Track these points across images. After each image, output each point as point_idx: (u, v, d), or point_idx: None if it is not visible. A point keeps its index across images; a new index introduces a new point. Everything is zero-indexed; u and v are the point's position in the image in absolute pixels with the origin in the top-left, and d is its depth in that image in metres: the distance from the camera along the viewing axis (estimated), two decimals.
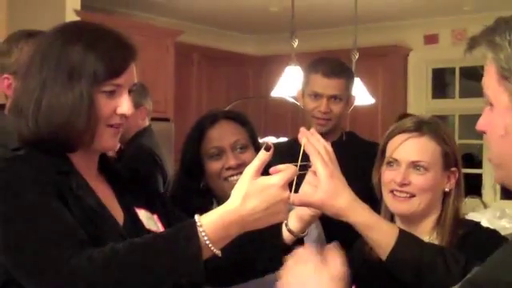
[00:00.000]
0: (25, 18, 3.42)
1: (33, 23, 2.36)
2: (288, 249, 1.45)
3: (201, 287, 1.34)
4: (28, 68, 1.45)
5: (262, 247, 1.52)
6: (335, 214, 1.49)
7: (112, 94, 1.43)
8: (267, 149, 1.32)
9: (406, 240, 1.51)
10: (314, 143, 1.48)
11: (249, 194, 1.30)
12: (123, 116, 1.46)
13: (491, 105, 1.16)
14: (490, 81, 1.15)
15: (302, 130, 1.50)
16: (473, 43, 1.19)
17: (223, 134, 2.00)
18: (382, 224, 1.52)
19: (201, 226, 1.29)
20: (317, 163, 1.47)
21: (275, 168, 1.33)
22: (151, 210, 1.58)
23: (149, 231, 1.48)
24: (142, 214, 1.54)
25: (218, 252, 1.31)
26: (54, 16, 4.88)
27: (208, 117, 2.06)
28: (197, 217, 1.30)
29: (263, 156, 1.32)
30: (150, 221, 1.54)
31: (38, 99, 1.40)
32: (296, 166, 1.31)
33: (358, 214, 1.49)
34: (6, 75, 2.17)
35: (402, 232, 1.52)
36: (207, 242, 1.28)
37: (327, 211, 1.49)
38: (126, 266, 1.25)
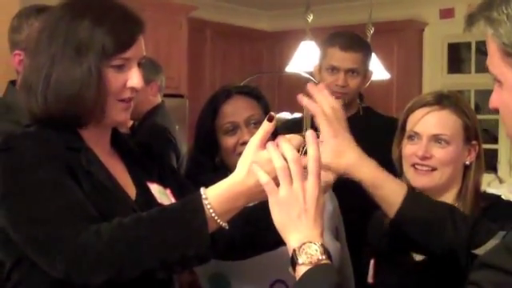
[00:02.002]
0: None
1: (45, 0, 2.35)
2: None
3: (208, 261, 1.34)
4: (36, 44, 1.46)
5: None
6: (343, 173, 1.47)
7: (121, 68, 1.43)
8: (270, 119, 1.30)
9: (413, 198, 1.49)
10: (320, 101, 1.44)
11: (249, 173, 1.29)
12: (133, 89, 1.46)
13: (500, 82, 1.13)
14: (494, 59, 1.12)
15: (310, 85, 1.47)
16: (471, 20, 1.16)
17: (237, 110, 1.99)
18: (390, 181, 1.50)
19: (206, 198, 1.29)
20: (321, 123, 1.44)
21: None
22: (164, 184, 1.58)
23: (161, 205, 1.48)
24: (155, 189, 1.54)
25: (225, 224, 1.31)
26: None
27: (222, 92, 2.05)
28: (202, 189, 1.30)
29: (267, 127, 1.30)
30: (162, 195, 1.55)
31: (47, 75, 1.40)
32: (303, 136, 1.29)
33: (364, 171, 1.46)
34: (17, 51, 2.16)
35: (410, 190, 1.50)
36: (213, 215, 1.28)
37: (335, 171, 1.47)
38: (133, 239, 1.26)
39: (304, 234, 1.16)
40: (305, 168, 1.20)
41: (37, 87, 1.41)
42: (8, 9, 2.41)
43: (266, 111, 2.03)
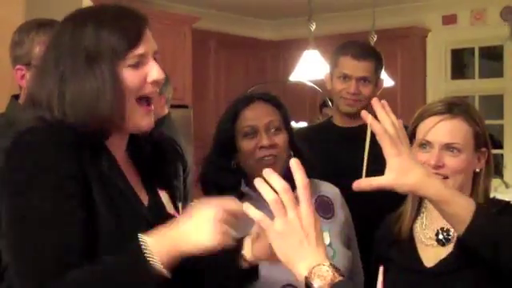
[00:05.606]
0: (42, 6, 3.44)
1: (50, 12, 2.35)
2: (249, 273, 1.49)
3: None
4: (44, 62, 1.44)
5: (215, 274, 1.53)
6: (408, 191, 1.47)
7: (137, 65, 1.40)
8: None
9: (483, 214, 1.49)
10: (382, 119, 1.43)
11: (184, 219, 1.32)
12: (155, 83, 1.43)
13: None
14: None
15: (374, 100, 1.46)
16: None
17: (258, 114, 2.03)
18: (458, 198, 1.50)
19: (147, 249, 1.28)
20: (383, 143, 1.43)
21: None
22: (171, 192, 1.59)
23: (169, 215, 1.50)
24: (165, 197, 1.55)
25: (167, 274, 1.29)
26: (71, 5, 4.88)
27: (243, 98, 2.10)
28: (143, 239, 1.29)
29: (234, 206, 1.32)
30: (170, 205, 1.56)
31: (61, 92, 1.37)
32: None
33: (431, 188, 1.46)
34: (18, 66, 2.14)
35: (478, 206, 1.50)
36: (156, 265, 1.27)
37: (399, 190, 1.47)
38: None
39: (310, 260, 1.16)
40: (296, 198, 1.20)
41: (51, 107, 1.37)
42: (12, 22, 2.41)
43: (285, 119, 2.08)
